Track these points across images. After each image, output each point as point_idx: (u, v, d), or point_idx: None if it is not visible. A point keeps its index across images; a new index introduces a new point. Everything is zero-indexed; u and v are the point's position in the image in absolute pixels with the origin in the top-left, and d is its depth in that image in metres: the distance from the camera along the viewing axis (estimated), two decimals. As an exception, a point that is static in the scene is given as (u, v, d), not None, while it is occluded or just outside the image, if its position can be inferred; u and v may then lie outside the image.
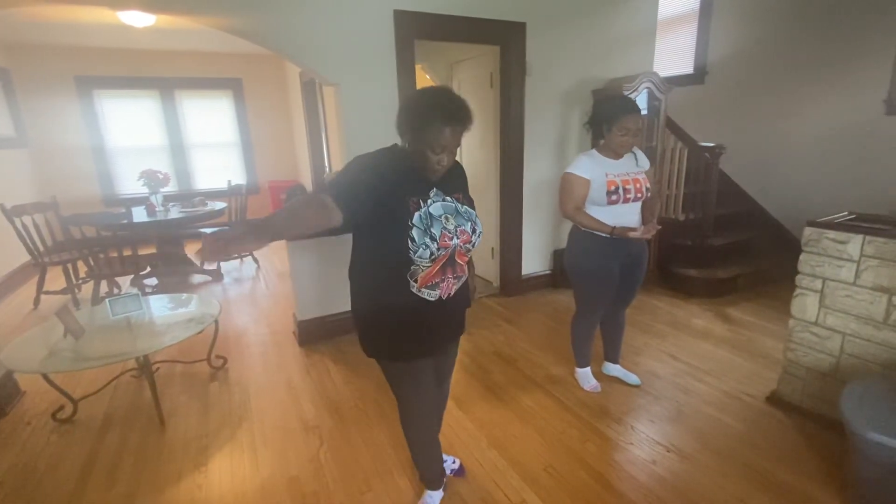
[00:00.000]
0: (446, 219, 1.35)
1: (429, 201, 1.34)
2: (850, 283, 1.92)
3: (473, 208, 1.48)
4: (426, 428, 1.64)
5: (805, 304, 2.08)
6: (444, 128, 1.23)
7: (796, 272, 2.10)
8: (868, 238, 1.85)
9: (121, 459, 2.02)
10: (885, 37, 3.46)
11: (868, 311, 1.89)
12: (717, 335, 3.01)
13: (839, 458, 1.83)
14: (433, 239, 1.30)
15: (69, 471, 1.96)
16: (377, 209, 1.27)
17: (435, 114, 1.23)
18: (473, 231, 1.40)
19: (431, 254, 1.31)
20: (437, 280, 1.37)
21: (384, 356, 1.48)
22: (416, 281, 1.35)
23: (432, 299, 1.39)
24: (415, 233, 1.29)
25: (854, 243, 1.89)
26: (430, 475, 1.71)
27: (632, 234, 2.00)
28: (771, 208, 4.38)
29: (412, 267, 1.33)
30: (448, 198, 1.38)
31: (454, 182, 1.44)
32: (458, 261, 1.41)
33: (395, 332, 1.42)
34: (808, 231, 2.03)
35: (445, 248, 1.33)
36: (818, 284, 2.03)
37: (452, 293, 1.44)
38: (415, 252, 1.30)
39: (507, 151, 3.54)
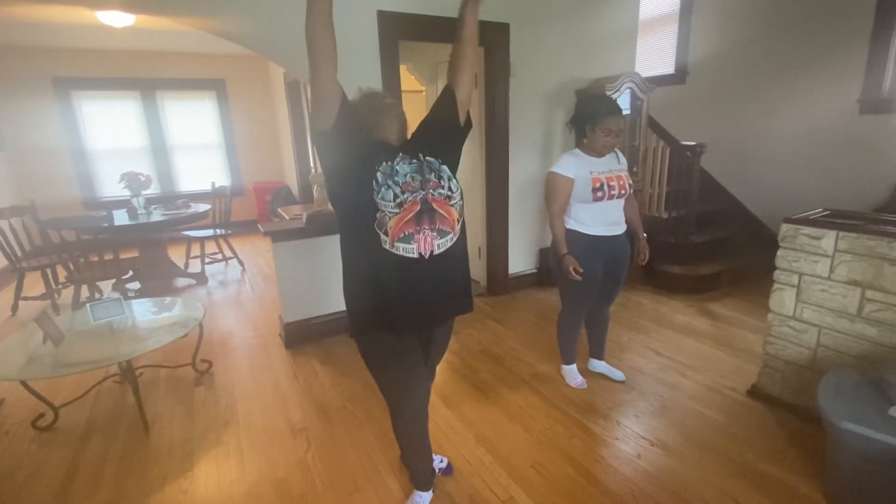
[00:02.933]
0: (412, 177, 1.35)
1: (395, 160, 1.35)
2: (825, 278, 1.98)
3: (448, 161, 1.45)
4: (416, 423, 1.58)
5: (783, 299, 2.14)
6: (378, 94, 1.48)
7: (774, 268, 2.15)
8: (841, 234, 1.90)
9: (104, 466, 1.98)
10: (858, 39, 3.56)
11: (842, 304, 1.94)
12: (699, 330, 3.07)
13: (818, 449, 1.88)
14: (396, 183, 1.31)
15: (50, 480, 1.92)
16: (351, 151, 1.34)
17: (370, 100, 1.48)
18: (440, 178, 1.38)
19: (395, 196, 1.29)
20: (410, 231, 1.30)
21: (366, 326, 1.42)
22: (386, 234, 1.30)
23: (411, 255, 1.31)
24: (378, 175, 1.31)
25: (828, 239, 1.94)
26: (420, 474, 1.70)
27: (571, 276, 2.09)
28: (750, 205, 4.47)
29: (377, 214, 1.29)
30: (413, 159, 1.38)
31: (417, 141, 1.48)
32: (439, 209, 1.34)
33: (374, 297, 1.35)
34: (784, 227, 2.08)
35: (412, 192, 1.32)
36: (795, 279, 2.08)
37: (436, 250, 1.35)
38: (377, 193, 1.29)
39: (492, 151, 3.56)
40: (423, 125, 1.53)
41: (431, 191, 1.35)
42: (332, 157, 1.36)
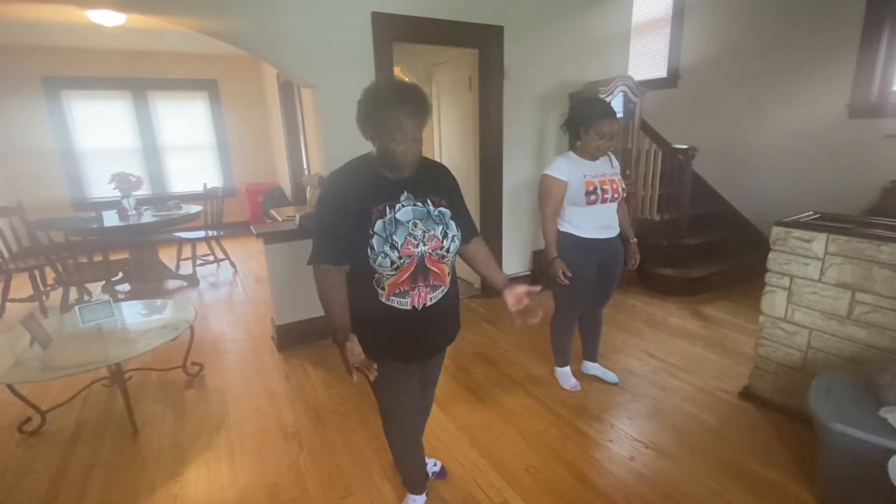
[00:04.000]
0: (414, 224, 1.29)
1: (397, 206, 1.29)
2: (816, 280, 2.00)
3: (466, 212, 1.46)
4: (409, 432, 1.61)
5: (774, 301, 2.15)
6: (398, 111, 1.19)
7: (766, 270, 2.17)
8: (832, 237, 1.92)
9: (92, 471, 1.95)
10: (847, 45, 3.61)
11: (833, 306, 1.96)
12: (692, 333, 3.09)
13: (809, 450, 1.89)
14: (394, 247, 1.26)
15: (37, 485, 1.89)
16: (344, 220, 1.28)
17: (387, 99, 1.20)
18: (445, 236, 1.33)
19: (392, 262, 1.27)
20: (405, 288, 1.32)
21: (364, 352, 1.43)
22: (383, 289, 1.32)
23: (405, 308, 1.35)
24: (375, 241, 1.25)
25: (819, 242, 1.96)
26: (413, 479, 1.70)
27: (559, 280, 2.12)
28: (742, 208, 4.51)
29: (375, 275, 1.30)
30: (419, 202, 1.33)
31: (431, 184, 1.38)
32: (432, 268, 1.34)
33: (372, 336, 1.38)
34: (776, 230, 2.10)
35: (409, 256, 1.28)
36: (786, 282, 2.10)
37: (429, 303, 1.38)
38: (374, 260, 1.26)
39: (486, 153, 3.56)
40: (447, 179, 1.45)
41: (430, 251, 1.32)
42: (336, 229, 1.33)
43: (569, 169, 2.10)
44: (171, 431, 2.21)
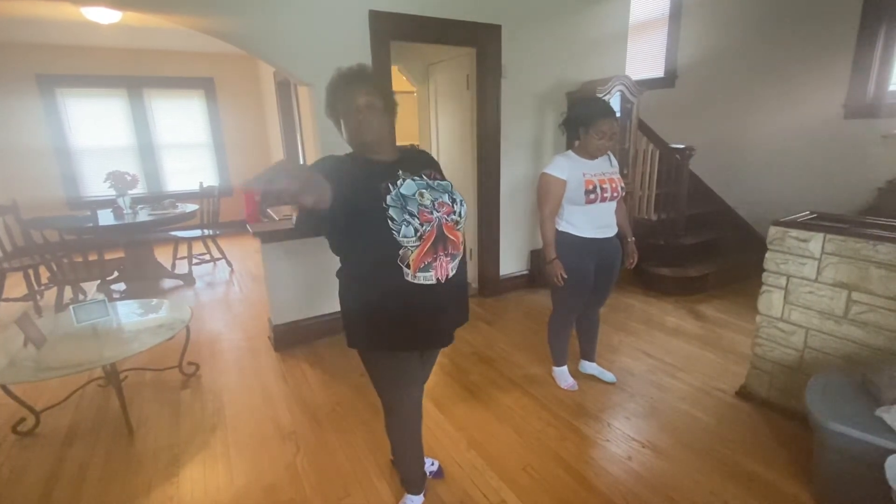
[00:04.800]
0: (420, 195, 1.32)
1: (398, 181, 1.32)
2: (813, 280, 2.00)
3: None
4: (411, 426, 1.61)
5: (771, 301, 2.16)
6: (347, 89, 1.33)
7: (763, 270, 2.17)
8: (828, 236, 1.93)
9: (86, 472, 1.94)
10: (843, 45, 3.62)
11: (829, 306, 1.97)
12: (688, 332, 3.09)
13: (806, 450, 1.90)
14: (413, 215, 1.28)
15: (31, 486, 1.87)
16: (348, 208, 1.25)
17: (338, 84, 1.35)
18: (454, 201, 1.37)
19: (416, 230, 1.27)
20: (429, 260, 1.32)
21: (384, 346, 1.43)
22: (408, 266, 1.30)
23: (430, 282, 1.33)
24: (392, 212, 1.27)
25: (815, 241, 1.96)
26: (412, 477, 1.69)
27: (556, 281, 2.15)
28: (738, 208, 4.52)
29: (401, 251, 1.28)
30: (416, 176, 1.36)
31: (420, 164, 1.43)
32: (450, 236, 1.35)
33: (398, 323, 1.37)
34: (772, 230, 2.10)
35: (428, 222, 1.30)
36: (783, 281, 2.10)
37: (451, 273, 1.37)
38: (398, 231, 1.26)
39: (483, 152, 3.56)
40: (434, 161, 1.53)
41: (445, 216, 1.34)
42: (338, 219, 1.28)
43: (568, 168, 2.10)
44: (166, 432, 2.19)
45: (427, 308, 1.37)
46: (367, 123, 1.32)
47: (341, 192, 1.19)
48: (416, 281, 1.32)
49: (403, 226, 1.26)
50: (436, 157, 4.03)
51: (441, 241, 1.33)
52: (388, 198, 1.28)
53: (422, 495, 1.72)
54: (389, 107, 1.39)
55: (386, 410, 1.58)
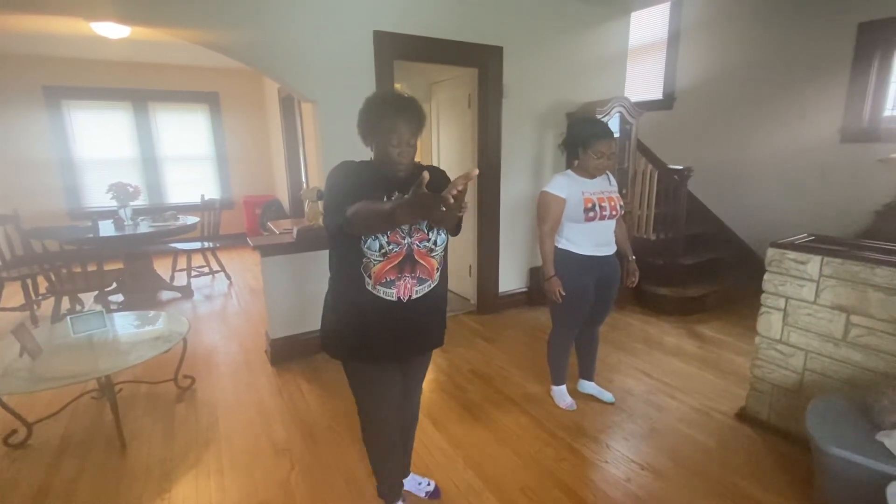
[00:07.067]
0: None
1: (386, 200, 1.36)
2: (811, 302, 2.00)
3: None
4: (387, 435, 1.61)
5: (770, 322, 2.16)
6: (396, 119, 1.33)
7: (761, 291, 2.17)
8: (826, 259, 1.94)
9: (77, 486, 1.91)
10: (838, 71, 3.70)
11: (828, 328, 1.97)
12: (688, 352, 3.08)
13: (806, 474, 1.88)
14: (383, 233, 1.34)
15: (21, 499, 1.84)
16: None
17: (386, 108, 1.34)
18: (431, 229, 1.41)
19: (381, 247, 1.34)
20: (391, 278, 1.38)
21: (345, 356, 1.50)
22: (370, 276, 1.37)
23: (390, 299, 1.40)
24: None
25: (813, 264, 1.97)
26: (388, 489, 1.69)
27: (554, 298, 2.16)
28: (737, 229, 4.55)
29: (363, 260, 1.36)
30: None
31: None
32: (421, 261, 1.40)
33: (356, 331, 1.44)
34: (771, 252, 2.11)
35: (396, 244, 1.35)
36: (781, 303, 2.10)
37: (414, 295, 1.43)
38: (364, 242, 1.34)
39: (484, 170, 3.59)
40: (438, 182, 1.50)
41: (417, 243, 1.39)
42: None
43: (567, 186, 2.12)
44: (159, 446, 2.17)
45: (385, 322, 1.43)
46: (402, 155, 1.36)
47: (353, 181, 1.32)
48: (376, 293, 1.39)
49: (370, 239, 1.34)
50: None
51: (409, 264, 1.39)
52: None
53: None
54: (420, 130, 1.41)
55: (361, 420, 1.60)
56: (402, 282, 1.39)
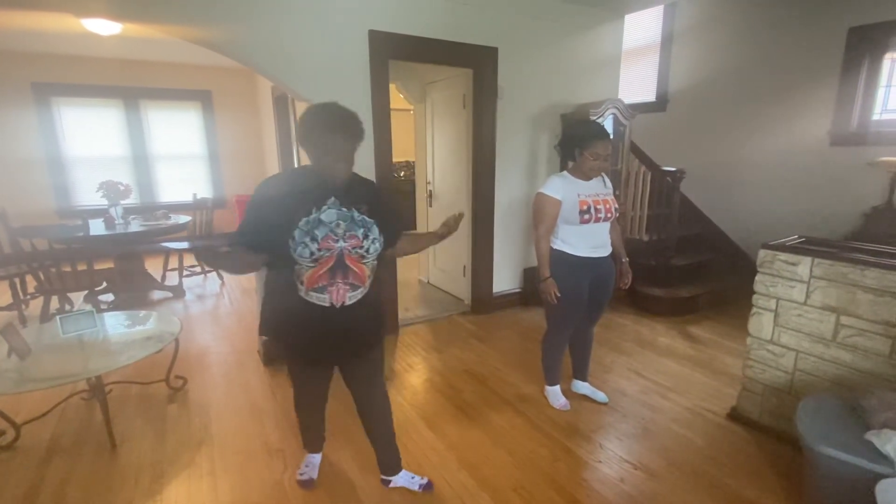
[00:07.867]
0: (337, 224, 1.41)
1: (323, 207, 1.41)
2: (802, 303, 2.03)
3: (393, 221, 1.59)
4: (308, 412, 1.86)
5: (761, 323, 2.18)
6: (335, 135, 1.35)
7: (753, 292, 2.20)
8: (816, 260, 1.96)
9: (67, 489, 1.88)
10: (828, 75, 3.74)
11: (818, 329, 1.99)
12: (680, 353, 3.10)
13: (797, 473, 1.90)
14: (314, 240, 1.37)
15: (9, 502, 1.81)
16: (271, 221, 1.39)
17: (327, 123, 1.35)
18: (365, 237, 1.45)
19: (312, 253, 1.37)
20: (323, 283, 1.42)
21: (281, 352, 1.66)
22: (302, 283, 1.41)
23: (323, 304, 1.44)
24: (296, 233, 1.37)
25: (804, 265, 2.00)
26: (310, 442, 1.95)
27: (549, 299, 2.16)
28: (728, 230, 4.59)
29: (295, 266, 1.40)
30: (344, 209, 1.44)
31: (360, 197, 1.49)
32: (352, 266, 1.44)
33: (289, 333, 1.52)
34: (762, 253, 2.13)
35: (328, 249, 1.39)
36: (773, 304, 2.13)
37: (348, 301, 1.47)
38: (294, 250, 1.37)
39: (478, 170, 3.60)
40: (375, 195, 1.57)
41: (350, 249, 1.43)
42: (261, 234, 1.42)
43: (563, 188, 2.13)
44: (150, 448, 2.14)
45: (317, 326, 1.48)
46: (337, 168, 1.39)
47: (273, 216, 1.38)
48: (309, 299, 1.44)
49: (300, 247, 1.37)
50: (430, 175, 4.11)
51: (340, 269, 1.43)
52: (303, 220, 1.38)
53: (319, 454, 1.97)
54: (358, 145, 1.43)
55: (294, 393, 1.82)
56: (334, 287, 1.43)
